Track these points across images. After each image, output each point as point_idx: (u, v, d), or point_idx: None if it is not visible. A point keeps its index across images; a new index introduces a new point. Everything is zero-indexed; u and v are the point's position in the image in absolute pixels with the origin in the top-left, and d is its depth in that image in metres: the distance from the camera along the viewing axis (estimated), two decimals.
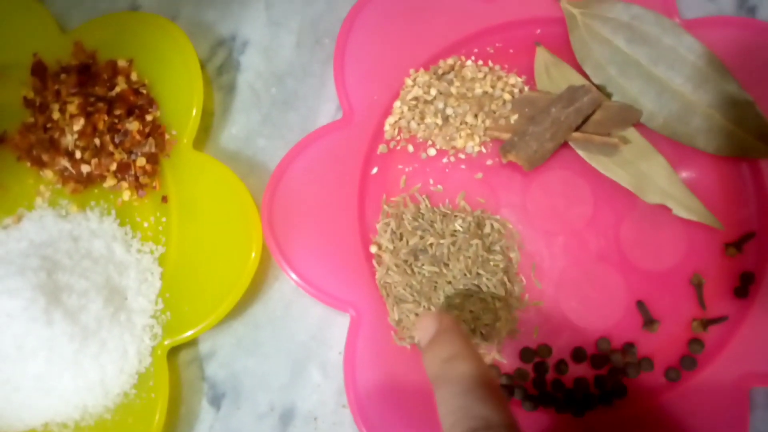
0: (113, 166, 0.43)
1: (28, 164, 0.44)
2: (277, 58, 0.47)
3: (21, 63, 0.46)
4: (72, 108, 0.42)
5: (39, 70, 0.45)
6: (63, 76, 0.44)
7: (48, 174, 0.44)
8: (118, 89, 0.43)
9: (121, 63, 0.45)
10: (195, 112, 0.43)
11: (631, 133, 0.42)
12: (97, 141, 0.43)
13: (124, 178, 0.43)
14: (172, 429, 0.41)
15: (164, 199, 0.43)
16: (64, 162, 0.43)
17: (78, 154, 0.43)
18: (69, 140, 0.42)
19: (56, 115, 0.43)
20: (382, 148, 0.43)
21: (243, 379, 0.41)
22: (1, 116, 0.45)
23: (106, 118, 0.42)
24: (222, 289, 0.40)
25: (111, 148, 0.43)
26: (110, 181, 0.43)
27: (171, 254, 0.42)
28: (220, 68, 0.47)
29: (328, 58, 0.46)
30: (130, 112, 0.43)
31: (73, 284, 0.39)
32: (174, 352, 0.41)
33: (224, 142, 0.46)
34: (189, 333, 0.40)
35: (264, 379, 0.41)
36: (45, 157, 0.43)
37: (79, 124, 0.42)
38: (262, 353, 0.42)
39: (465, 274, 0.39)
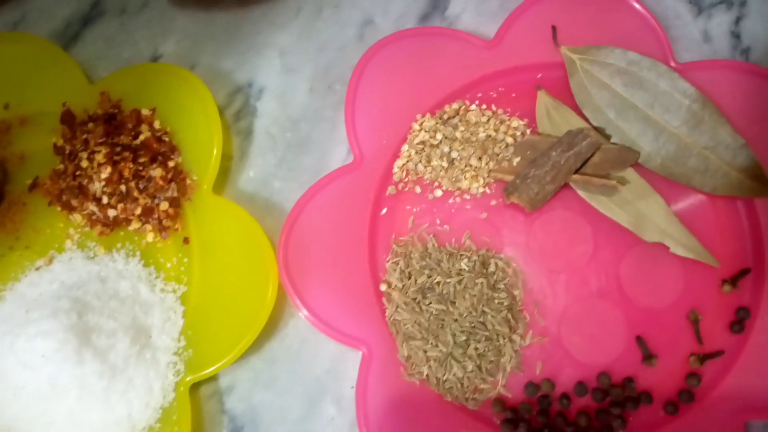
0: (138, 211, 0.45)
1: (59, 208, 0.47)
2: (292, 104, 0.49)
3: (51, 112, 0.48)
4: (100, 157, 0.45)
5: (68, 118, 0.48)
6: (90, 125, 0.47)
7: (77, 218, 0.46)
8: (142, 137, 0.46)
9: (145, 112, 0.47)
10: (214, 158, 0.46)
11: (630, 173, 0.44)
12: (122, 187, 0.45)
13: (148, 221, 0.46)
14: None
15: (186, 240, 0.46)
16: (92, 207, 0.46)
17: (105, 200, 0.45)
18: (97, 187, 0.45)
19: (85, 163, 0.46)
20: (390, 190, 0.45)
21: (261, 413, 0.44)
22: (32, 163, 0.48)
23: (131, 165, 0.45)
24: (241, 326, 0.43)
25: (136, 193, 0.45)
26: (135, 225, 0.46)
27: (193, 293, 0.44)
28: (237, 114, 0.49)
29: (340, 103, 0.48)
30: (153, 159, 0.46)
31: (102, 325, 0.42)
32: (196, 386, 0.44)
33: (242, 184, 0.48)
34: (210, 369, 0.42)
35: (281, 413, 0.43)
36: (74, 202, 0.46)
37: (106, 172, 0.45)
38: (279, 387, 0.44)
39: (471, 312, 0.41)
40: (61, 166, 0.47)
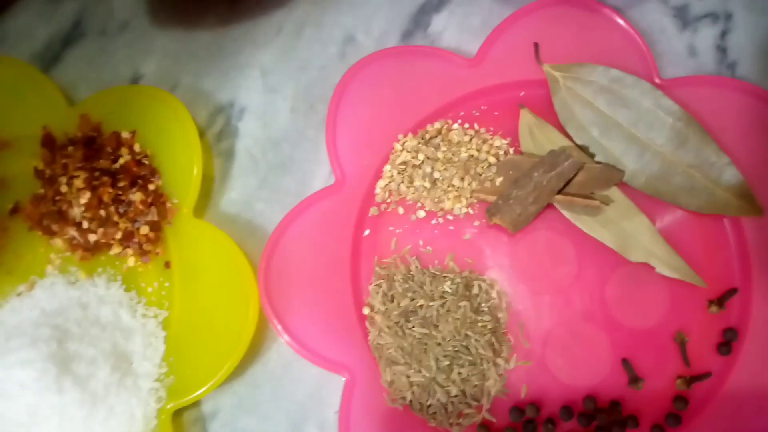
0: (118, 235, 0.45)
1: (40, 233, 0.46)
2: (273, 124, 0.49)
3: (31, 135, 0.48)
4: (78, 182, 0.45)
5: (48, 142, 0.48)
6: (70, 148, 0.46)
7: (57, 242, 0.46)
8: (121, 161, 0.46)
9: (125, 134, 0.47)
10: (194, 181, 0.45)
11: (615, 192, 0.43)
12: (102, 212, 0.45)
13: (128, 246, 0.45)
14: None
15: (167, 264, 0.45)
16: (73, 232, 0.45)
17: (85, 224, 0.45)
18: (76, 212, 0.45)
19: (64, 188, 0.45)
20: (373, 211, 0.45)
21: None
22: (13, 186, 0.48)
23: (110, 190, 0.45)
24: (223, 351, 0.42)
25: (116, 218, 0.45)
26: (116, 249, 0.45)
27: (174, 318, 0.44)
28: (219, 134, 0.49)
29: (321, 122, 0.48)
30: (133, 183, 0.45)
31: (82, 352, 0.41)
32: (178, 413, 0.43)
33: (224, 206, 0.48)
34: (192, 396, 0.42)
35: None
36: (55, 227, 0.46)
37: (85, 197, 0.44)
38: (262, 413, 0.43)
39: (454, 336, 0.41)
40: (42, 191, 0.47)
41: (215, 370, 0.42)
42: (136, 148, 0.47)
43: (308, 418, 0.43)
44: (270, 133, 0.49)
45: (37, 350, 0.40)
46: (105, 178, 0.45)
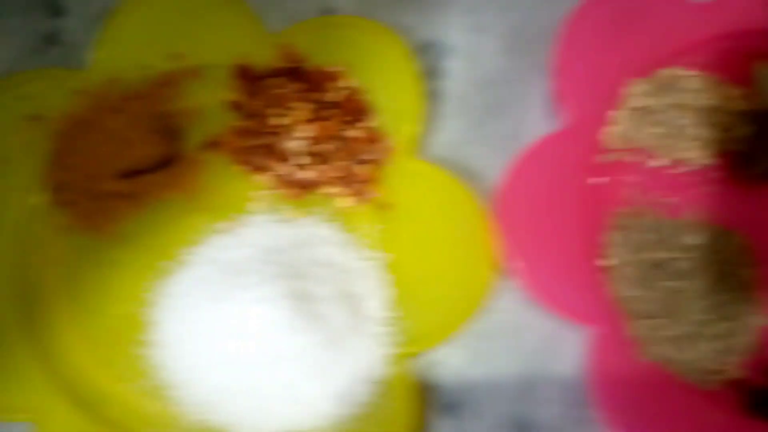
0: (334, 173, 0.42)
1: (241, 169, 0.44)
2: (482, 65, 0.46)
3: (223, 64, 0.45)
4: (298, 114, 0.42)
5: (244, 72, 0.45)
6: (277, 80, 0.43)
7: (262, 179, 0.43)
8: (337, 95, 0.43)
9: (334, 68, 0.44)
10: (415, 119, 0.43)
11: None
12: (320, 148, 0.42)
13: (343, 185, 0.43)
14: None
15: (386, 206, 0.42)
16: (284, 168, 0.42)
17: (299, 160, 0.42)
18: (291, 146, 0.42)
19: (274, 120, 0.43)
20: (602, 159, 0.43)
21: (474, 391, 0.41)
22: (204, 119, 0.45)
23: (330, 124, 0.42)
24: (457, 298, 0.40)
25: (333, 155, 0.42)
26: (329, 188, 0.42)
27: (396, 262, 0.41)
28: (423, 75, 0.46)
29: (535, 65, 0.45)
30: (351, 119, 0.43)
31: (314, 292, 0.39)
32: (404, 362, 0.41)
33: (433, 150, 0.45)
34: (427, 343, 0.40)
35: (495, 391, 0.41)
36: (262, 163, 0.43)
37: (304, 131, 0.42)
38: (492, 364, 0.41)
39: (708, 290, 0.39)
40: (244, 124, 0.44)
41: (452, 319, 0.40)
42: (348, 83, 0.44)
43: (542, 372, 0.41)
44: (479, 74, 0.46)
45: (274, 288, 0.38)
46: (325, 112, 0.42)
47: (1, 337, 0.41)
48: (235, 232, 0.42)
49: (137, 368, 0.41)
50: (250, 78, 0.44)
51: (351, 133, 0.42)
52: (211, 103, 0.45)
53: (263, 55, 0.45)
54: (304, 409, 0.38)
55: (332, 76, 0.43)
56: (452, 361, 0.42)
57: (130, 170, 0.43)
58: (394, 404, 0.39)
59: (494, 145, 0.45)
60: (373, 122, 0.43)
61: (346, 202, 0.43)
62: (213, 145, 0.44)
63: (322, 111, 0.42)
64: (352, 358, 0.39)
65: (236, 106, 0.44)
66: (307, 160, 0.42)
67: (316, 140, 0.42)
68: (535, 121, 0.45)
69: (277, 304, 0.37)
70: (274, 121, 0.42)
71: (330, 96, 0.43)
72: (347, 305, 0.39)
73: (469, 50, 0.47)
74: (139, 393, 0.41)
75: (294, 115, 0.42)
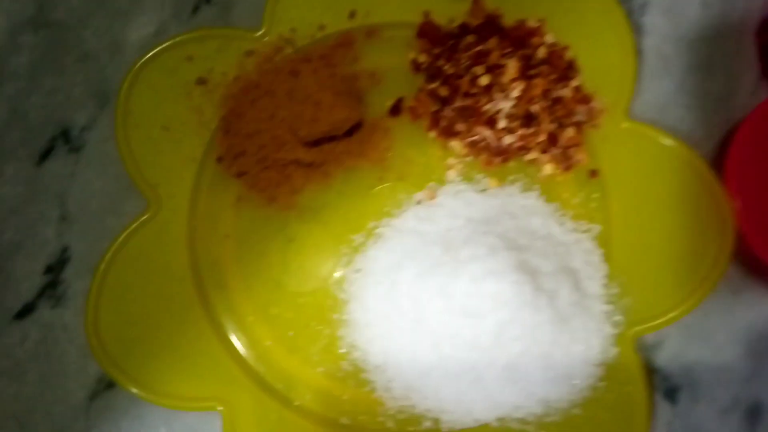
0: (541, 137, 0.39)
1: (432, 134, 0.40)
2: (685, 20, 0.42)
3: (402, 22, 0.42)
4: (511, 72, 0.38)
5: (429, 30, 0.41)
6: (471, 37, 0.40)
7: (456, 146, 0.40)
8: (540, 51, 0.39)
9: (531, 23, 0.40)
10: (624, 76, 0.40)
11: None
12: (524, 110, 0.39)
13: (548, 151, 0.39)
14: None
15: (593, 173, 0.39)
16: (485, 132, 0.39)
17: (503, 124, 0.39)
18: (495, 108, 0.39)
19: (470, 82, 0.39)
20: None
21: (697, 372, 0.38)
22: (386, 82, 0.41)
23: (539, 82, 0.38)
24: (683, 274, 0.37)
25: (543, 117, 0.39)
26: (533, 154, 0.39)
27: (610, 234, 0.38)
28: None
29: (741, 19, 0.41)
30: (558, 78, 0.39)
31: (540, 266, 0.36)
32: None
33: (637, 111, 0.41)
34: (654, 322, 0.37)
35: (722, 372, 0.38)
36: (458, 127, 0.39)
37: (517, 90, 0.38)
38: (715, 343, 0.38)
39: None
40: (434, 86, 0.40)
41: (682, 294, 0.37)
42: (550, 38, 0.40)
43: None
44: (682, 30, 0.42)
45: (501, 261, 0.35)
46: (539, 68, 0.38)
47: (189, 323, 0.39)
48: (435, 203, 0.39)
49: (328, 351, 0.38)
50: (437, 37, 0.41)
51: (561, 92, 0.39)
52: (392, 64, 0.41)
53: (446, 12, 0.41)
54: (525, 394, 0.35)
55: (535, 32, 0.40)
56: (668, 344, 0.38)
57: (317, 137, 0.39)
58: (620, 389, 0.36)
59: (704, 107, 0.41)
60: (578, 81, 0.39)
61: (546, 169, 0.39)
62: (397, 109, 0.41)
63: (532, 68, 0.38)
64: (577, 340, 0.36)
65: (422, 68, 0.41)
66: (511, 123, 0.38)
67: (523, 101, 0.38)
68: (750, 82, 0.41)
69: (512, 278, 0.34)
70: (470, 82, 0.39)
71: (539, 53, 0.39)
72: (569, 281, 0.36)
73: (668, 4, 0.42)
74: (330, 377, 0.38)
75: (499, 74, 0.38)
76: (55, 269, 0.41)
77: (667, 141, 0.39)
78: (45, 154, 0.42)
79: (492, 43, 0.39)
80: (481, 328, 0.34)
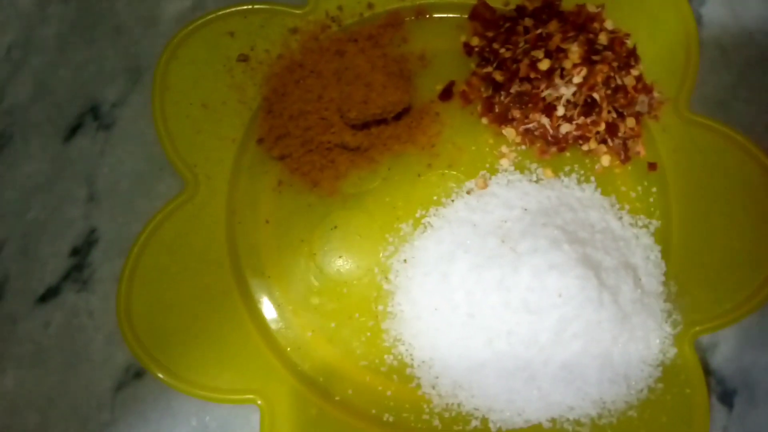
0: (600, 127, 0.37)
1: (486, 121, 0.39)
2: (745, 12, 0.41)
3: (453, 3, 0.40)
4: (574, 56, 0.36)
5: (483, 12, 0.39)
6: (529, 20, 0.38)
7: (511, 133, 0.38)
8: (601, 38, 0.38)
9: (591, 8, 0.39)
10: (690, 68, 0.38)
11: None
12: (585, 97, 0.37)
13: (605, 141, 0.38)
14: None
15: (652, 166, 0.38)
16: (542, 120, 0.37)
17: (561, 111, 0.37)
18: (555, 94, 0.37)
19: (528, 66, 0.37)
20: None
21: (755, 375, 0.36)
22: (435, 65, 0.40)
23: (607, 69, 0.36)
24: (746, 274, 0.36)
25: (604, 105, 0.37)
26: (591, 144, 0.37)
27: (670, 231, 0.37)
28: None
29: None
30: (620, 65, 0.38)
31: (602, 261, 0.34)
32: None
33: (695, 104, 0.40)
34: (714, 323, 0.35)
35: None
36: (514, 114, 0.38)
37: (579, 76, 0.36)
38: None
39: None
40: (488, 70, 0.39)
41: (741, 295, 0.35)
42: (609, 24, 0.39)
43: None
44: (742, 22, 0.41)
45: (566, 254, 0.33)
46: (603, 54, 0.37)
47: (226, 311, 0.37)
48: (487, 192, 0.37)
49: (371, 344, 0.36)
50: (492, 19, 0.39)
51: (622, 80, 0.37)
52: (442, 47, 0.40)
53: None
54: (581, 394, 0.34)
55: (595, 17, 0.38)
56: (724, 346, 0.37)
57: (366, 119, 0.38)
58: (679, 391, 0.34)
59: (764, 101, 0.40)
60: (638, 70, 0.38)
61: (607, 160, 0.38)
62: (448, 94, 0.39)
63: (592, 55, 0.37)
64: (636, 338, 0.34)
65: (475, 51, 0.39)
66: (571, 110, 0.37)
67: (584, 88, 0.36)
68: None
69: (571, 272, 0.32)
70: (530, 66, 0.37)
71: (600, 38, 0.37)
72: (630, 278, 0.35)
73: None
74: (373, 372, 0.36)
75: (560, 59, 0.37)
76: (82, 251, 0.39)
77: (731, 135, 0.37)
78: (73, 131, 0.40)
79: (553, 26, 0.37)
80: (541, 324, 0.32)
